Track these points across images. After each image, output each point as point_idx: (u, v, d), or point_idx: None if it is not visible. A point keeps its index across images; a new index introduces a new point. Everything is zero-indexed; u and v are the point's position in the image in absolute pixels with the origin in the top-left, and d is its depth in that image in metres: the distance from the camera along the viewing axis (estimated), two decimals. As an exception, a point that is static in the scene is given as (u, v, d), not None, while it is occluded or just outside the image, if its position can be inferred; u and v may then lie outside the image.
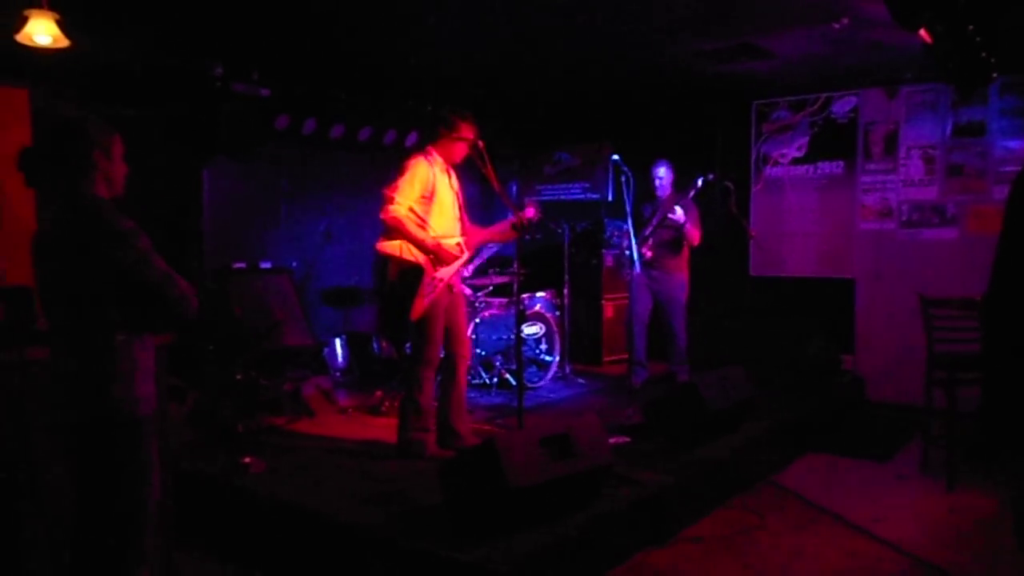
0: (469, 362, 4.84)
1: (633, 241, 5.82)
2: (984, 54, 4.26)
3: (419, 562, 3.10)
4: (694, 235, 5.95)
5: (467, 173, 4.65)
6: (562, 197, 8.29)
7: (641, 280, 5.99)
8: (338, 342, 6.56)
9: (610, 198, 7.88)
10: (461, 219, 4.44)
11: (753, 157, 7.20)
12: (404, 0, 4.60)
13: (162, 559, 2.56)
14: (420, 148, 4.40)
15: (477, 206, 6.45)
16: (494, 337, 6.08)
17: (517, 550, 3.04)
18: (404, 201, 4.15)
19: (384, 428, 5.02)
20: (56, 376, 2.34)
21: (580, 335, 7.42)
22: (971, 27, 4.05)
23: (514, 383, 5.21)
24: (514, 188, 8.56)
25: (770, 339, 6.32)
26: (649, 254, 5.97)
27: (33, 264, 2.38)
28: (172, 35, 5.22)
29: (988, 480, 4.53)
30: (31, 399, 2.94)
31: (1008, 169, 5.97)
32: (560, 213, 7.52)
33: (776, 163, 7.09)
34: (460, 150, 4.34)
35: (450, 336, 4.41)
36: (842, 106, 6.74)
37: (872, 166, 6.62)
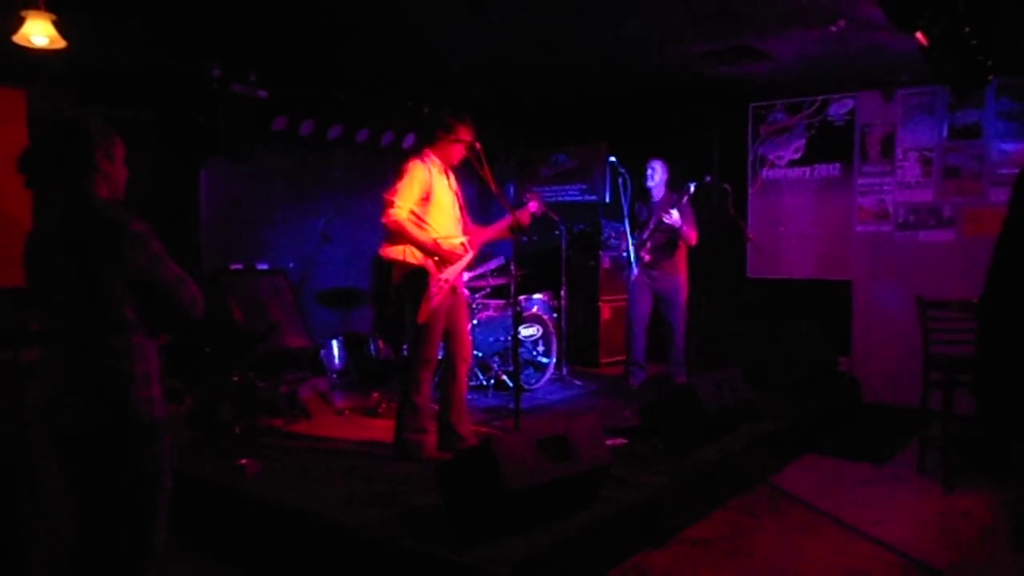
0: (470, 364, 4.84)
1: (630, 243, 5.84)
2: (980, 57, 4.28)
3: (416, 564, 3.10)
4: (691, 236, 5.95)
5: (464, 174, 4.66)
6: (559, 198, 8.29)
7: (640, 281, 6.00)
8: (335, 344, 6.55)
9: (607, 200, 7.89)
10: (462, 219, 4.44)
11: (750, 159, 7.21)
12: (402, 2, 4.59)
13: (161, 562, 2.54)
14: (418, 150, 4.40)
15: (474, 208, 6.44)
16: (491, 339, 6.08)
17: (515, 552, 3.03)
18: (404, 204, 4.15)
19: (381, 429, 5.01)
20: (58, 382, 2.27)
21: (577, 337, 7.42)
22: (967, 30, 4.06)
23: (511, 385, 5.21)
24: (511, 189, 8.56)
25: (767, 341, 6.33)
26: (648, 257, 5.97)
27: (29, 265, 2.33)
28: (169, 36, 5.21)
29: (985, 482, 4.54)
30: (29, 400, 2.93)
31: (1004, 171, 5.99)
32: (557, 214, 7.51)
33: (773, 165, 7.10)
34: (458, 152, 4.35)
35: (451, 338, 4.41)
36: (839, 108, 6.75)
37: (869, 168, 6.63)
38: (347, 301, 6.77)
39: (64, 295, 2.25)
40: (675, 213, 5.78)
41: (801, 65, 6.01)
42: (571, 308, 7.06)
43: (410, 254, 4.18)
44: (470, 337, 5.00)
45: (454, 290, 4.36)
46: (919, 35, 4.07)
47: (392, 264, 4.24)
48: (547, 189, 8.39)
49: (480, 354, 6.05)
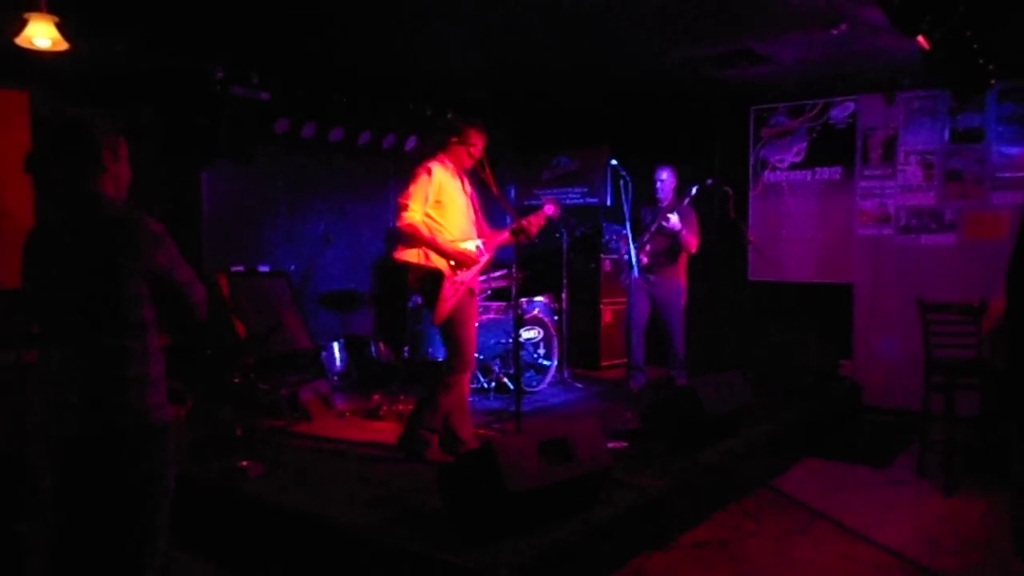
0: (474, 367, 4.86)
1: (632, 246, 5.84)
2: (982, 60, 4.28)
3: (418, 566, 3.10)
4: (691, 242, 5.94)
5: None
6: (561, 201, 8.28)
7: (639, 285, 6.00)
8: (336, 346, 6.56)
9: (609, 203, 7.89)
10: (477, 222, 4.46)
11: (751, 162, 7.21)
12: (404, 4, 4.60)
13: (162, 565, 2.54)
14: (431, 154, 4.43)
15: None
16: (492, 341, 6.08)
17: (515, 554, 3.03)
18: (418, 208, 4.17)
19: (382, 431, 5.02)
20: (68, 383, 2.22)
21: (578, 339, 7.41)
22: (969, 33, 4.07)
23: (512, 387, 5.20)
24: (512, 192, 8.57)
25: (768, 344, 6.33)
26: (645, 260, 5.97)
27: (31, 265, 2.29)
28: (172, 38, 5.22)
29: (986, 485, 4.53)
30: (30, 402, 2.92)
31: (1006, 175, 5.98)
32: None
33: (774, 168, 7.10)
34: (471, 156, 4.38)
35: None
36: (840, 112, 6.75)
37: (870, 172, 6.63)
38: (348, 303, 6.78)
39: (76, 295, 2.21)
40: (674, 217, 5.78)
41: (803, 68, 6.02)
42: (572, 311, 7.06)
43: (425, 257, 4.20)
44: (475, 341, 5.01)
45: (471, 292, 4.38)
46: (921, 39, 4.07)
47: (408, 267, 4.26)
48: (548, 192, 8.40)
49: (481, 356, 6.04)
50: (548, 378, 6.42)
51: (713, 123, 7.31)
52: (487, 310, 6.22)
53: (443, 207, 4.25)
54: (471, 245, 4.34)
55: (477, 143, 4.34)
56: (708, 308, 6.77)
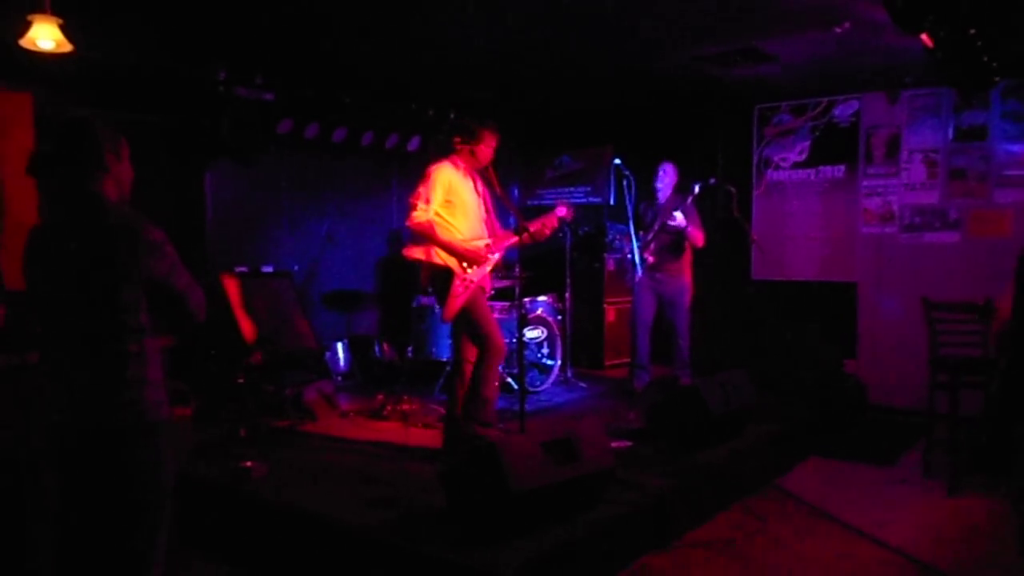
0: (506, 352, 4.86)
1: (635, 245, 5.84)
2: (986, 58, 4.26)
3: (421, 566, 3.10)
4: (697, 237, 5.94)
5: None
6: (564, 201, 8.28)
7: (644, 283, 6.00)
8: (340, 346, 6.56)
9: (612, 202, 7.89)
10: (489, 222, 4.48)
11: (755, 161, 7.20)
12: (407, 5, 4.60)
13: (165, 563, 2.54)
14: (443, 155, 4.44)
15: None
16: (496, 341, 6.08)
17: (519, 554, 3.04)
18: (429, 207, 4.22)
19: (386, 431, 5.02)
20: (68, 383, 2.25)
21: (582, 339, 7.42)
22: (973, 31, 4.05)
23: (516, 387, 5.20)
24: (515, 192, 8.57)
25: (772, 343, 6.32)
26: (652, 259, 5.97)
27: (32, 265, 2.30)
28: (175, 39, 5.23)
29: (991, 484, 4.52)
30: (34, 402, 2.92)
31: (1010, 173, 5.97)
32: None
33: (778, 167, 7.09)
34: (484, 155, 4.42)
35: (464, 339, 4.46)
36: (844, 110, 6.74)
37: (874, 170, 6.62)
38: (352, 303, 6.78)
39: (76, 298, 2.23)
40: (679, 215, 5.78)
41: (806, 67, 6.00)
42: (576, 310, 7.06)
43: (435, 254, 4.26)
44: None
45: (482, 290, 4.43)
46: (924, 37, 4.06)
47: (419, 265, 4.32)
48: (551, 191, 8.40)
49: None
50: (552, 378, 6.42)
51: (716, 122, 7.30)
52: (491, 310, 6.21)
53: (453, 207, 4.29)
54: (480, 245, 4.37)
55: (490, 144, 4.40)
56: (712, 307, 6.76)
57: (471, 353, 4.47)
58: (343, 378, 6.45)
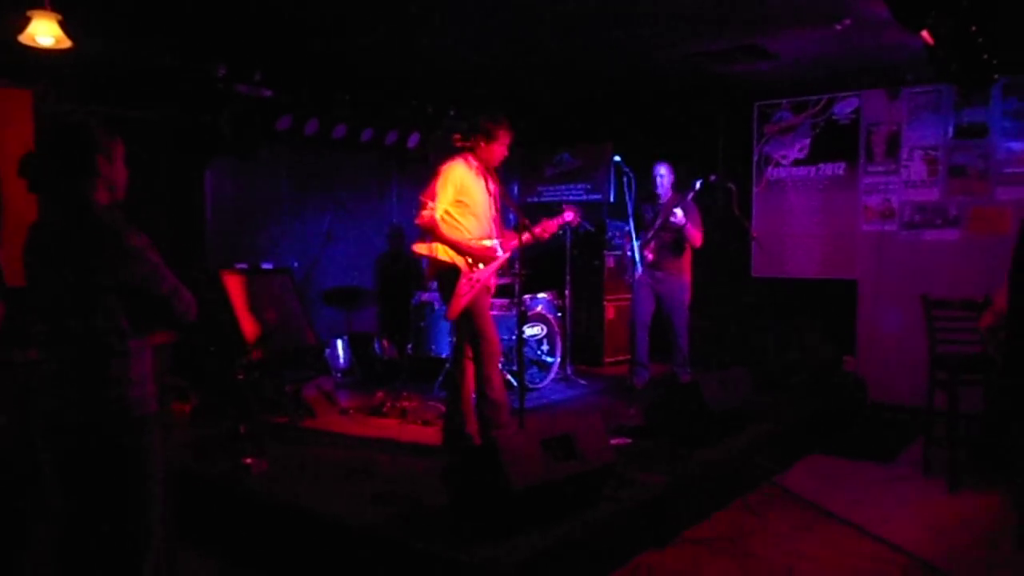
0: (501, 353, 4.87)
1: (635, 242, 5.84)
2: (986, 55, 4.26)
3: (422, 563, 3.10)
4: (695, 236, 5.95)
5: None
6: (563, 198, 8.27)
7: (644, 281, 6.00)
8: (339, 343, 6.56)
9: (612, 199, 7.88)
10: (497, 221, 4.47)
11: (755, 158, 7.19)
12: (407, 2, 4.60)
13: (164, 559, 2.55)
14: (456, 152, 4.42)
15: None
16: (496, 338, 6.08)
17: (519, 551, 3.04)
18: (438, 205, 4.20)
19: (386, 428, 5.03)
20: (56, 377, 2.31)
21: (582, 336, 7.41)
22: (973, 28, 4.05)
23: (515, 384, 5.20)
24: (515, 189, 8.56)
25: (772, 340, 6.32)
26: (651, 256, 5.98)
27: (28, 262, 2.35)
28: (175, 36, 5.23)
29: (991, 481, 4.53)
30: (33, 399, 2.93)
31: (1010, 170, 5.96)
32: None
33: (778, 164, 7.09)
34: (499, 154, 4.38)
35: (466, 337, 4.45)
36: (844, 107, 6.74)
37: (874, 167, 6.61)
38: (352, 300, 6.78)
39: (63, 298, 2.28)
40: (679, 212, 5.78)
41: (806, 64, 6.00)
42: (575, 308, 7.06)
43: (441, 251, 4.24)
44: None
45: (488, 289, 4.41)
46: (925, 33, 4.05)
47: (426, 261, 4.32)
48: (551, 188, 8.39)
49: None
50: (551, 375, 6.42)
51: (716, 119, 7.29)
52: (491, 307, 6.21)
53: (463, 206, 4.28)
54: (488, 244, 4.36)
55: (504, 142, 4.35)
56: (711, 304, 6.76)
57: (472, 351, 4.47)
58: (343, 375, 6.45)
